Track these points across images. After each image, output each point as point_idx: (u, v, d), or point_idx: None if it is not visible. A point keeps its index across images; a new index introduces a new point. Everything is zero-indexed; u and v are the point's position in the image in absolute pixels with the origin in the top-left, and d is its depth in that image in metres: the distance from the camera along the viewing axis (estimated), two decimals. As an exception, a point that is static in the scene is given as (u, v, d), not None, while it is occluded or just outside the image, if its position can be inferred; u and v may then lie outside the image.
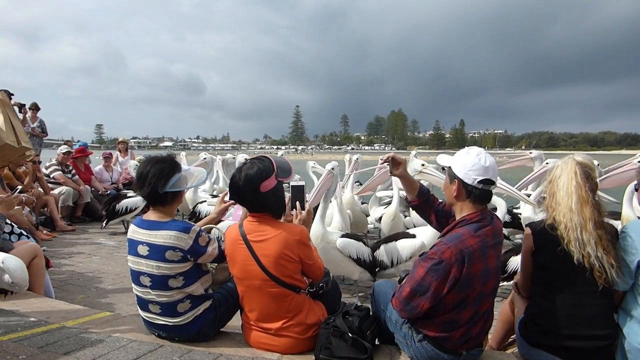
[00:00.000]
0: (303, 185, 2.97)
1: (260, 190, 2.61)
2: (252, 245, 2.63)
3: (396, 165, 2.99)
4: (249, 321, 2.80)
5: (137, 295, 2.87)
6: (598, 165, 7.42)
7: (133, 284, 2.86)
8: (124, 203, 7.78)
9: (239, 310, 2.94)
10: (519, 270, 3.01)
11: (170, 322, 2.80)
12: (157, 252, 2.70)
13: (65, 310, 3.49)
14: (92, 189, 9.56)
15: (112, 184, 10.22)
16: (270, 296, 2.66)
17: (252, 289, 2.70)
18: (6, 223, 4.07)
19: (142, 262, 2.74)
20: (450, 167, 2.55)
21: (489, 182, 2.45)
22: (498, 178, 2.58)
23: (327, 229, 4.58)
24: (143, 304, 2.86)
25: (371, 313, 2.89)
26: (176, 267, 2.72)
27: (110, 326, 3.14)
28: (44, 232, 7.35)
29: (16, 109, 9.03)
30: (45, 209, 8.16)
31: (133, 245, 2.79)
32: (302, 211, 2.88)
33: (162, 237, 2.70)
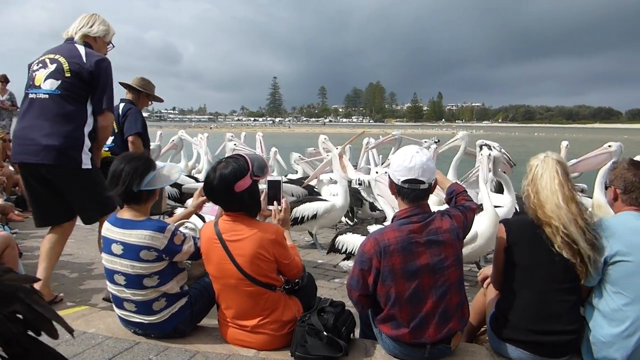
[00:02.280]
0: (279, 181, 2.97)
1: (234, 189, 2.61)
2: (227, 245, 2.64)
3: None
4: (225, 318, 2.82)
5: (111, 293, 2.86)
6: (567, 145, 7.67)
7: (107, 282, 2.85)
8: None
9: (215, 305, 2.95)
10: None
11: (146, 319, 2.80)
12: (131, 251, 2.68)
13: (38, 303, 3.45)
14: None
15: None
16: (246, 294, 2.68)
17: (228, 287, 2.71)
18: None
19: (117, 260, 2.73)
20: None
21: (415, 182, 2.52)
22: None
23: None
24: (118, 301, 2.85)
25: (346, 307, 2.93)
26: (151, 266, 2.71)
27: (85, 321, 3.12)
28: (16, 212, 7.21)
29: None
30: (17, 188, 8.00)
31: (107, 244, 2.77)
32: (279, 207, 2.89)
33: (136, 236, 2.68)
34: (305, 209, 5.90)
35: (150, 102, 5.03)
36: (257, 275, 2.63)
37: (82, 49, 3.36)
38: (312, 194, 7.26)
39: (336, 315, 2.75)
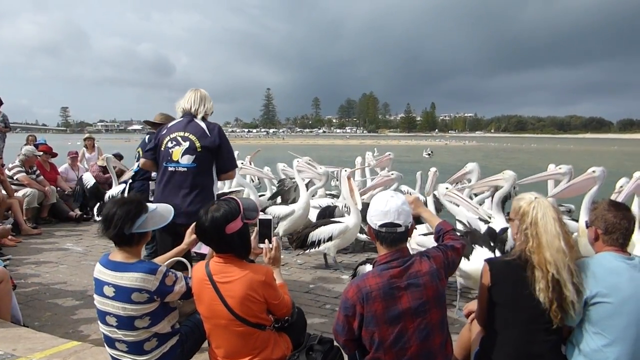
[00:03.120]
0: (270, 220, 3.02)
1: (225, 232, 2.66)
2: (218, 286, 2.68)
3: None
4: (215, 357, 2.85)
5: (103, 333, 2.89)
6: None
7: (99, 323, 2.88)
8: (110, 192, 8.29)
9: (206, 341, 2.99)
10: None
11: (137, 359, 2.84)
12: (123, 293, 2.71)
13: (31, 339, 3.49)
14: (58, 188, 9.41)
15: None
16: (237, 334, 2.72)
17: (218, 327, 2.75)
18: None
19: (108, 302, 2.76)
20: None
21: (391, 225, 2.56)
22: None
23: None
24: (110, 341, 2.88)
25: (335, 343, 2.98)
26: (143, 308, 2.74)
27: (78, 358, 3.16)
28: (9, 237, 7.23)
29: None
30: (9, 212, 8.01)
31: (99, 286, 2.80)
32: (270, 246, 2.95)
33: (128, 279, 2.72)
34: (321, 232, 6.15)
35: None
36: (247, 316, 2.67)
37: (203, 125, 4.05)
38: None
39: (324, 353, 2.80)
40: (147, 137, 5.24)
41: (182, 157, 3.94)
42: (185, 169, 3.94)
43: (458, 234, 3.02)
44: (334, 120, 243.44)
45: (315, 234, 6.15)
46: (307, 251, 6.31)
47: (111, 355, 2.93)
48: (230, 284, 2.66)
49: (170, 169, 3.99)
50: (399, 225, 2.57)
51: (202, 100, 4.16)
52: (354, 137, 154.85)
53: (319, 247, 6.16)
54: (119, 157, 9.95)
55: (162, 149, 4.04)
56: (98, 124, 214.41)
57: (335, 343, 2.89)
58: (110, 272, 2.77)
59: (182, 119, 4.12)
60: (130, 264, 2.78)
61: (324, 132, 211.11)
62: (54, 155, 9.76)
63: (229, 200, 2.76)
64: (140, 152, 5.14)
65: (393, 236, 2.58)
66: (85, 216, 9.35)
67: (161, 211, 2.99)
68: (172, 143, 4.00)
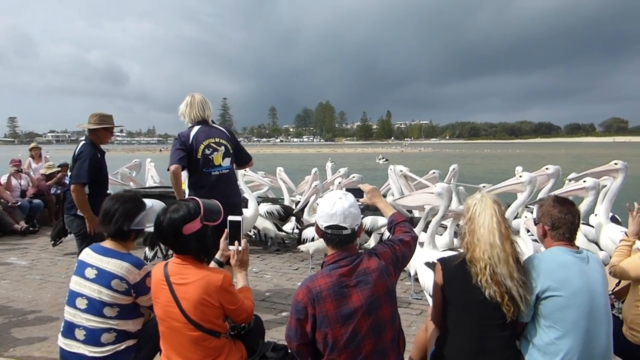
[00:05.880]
0: (240, 221, 2.96)
1: (182, 232, 2.61)
2: (173, 288, 2.61)
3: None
4: (167, 361, 2.75)
5: (65, 319, 2.87)
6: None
7: (66, 306, 2.87)
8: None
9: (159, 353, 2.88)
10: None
11: (89, 351, 2.78)
12: (104, 277, 2.78)
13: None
14: (1, 200, 8.98)
15: (22, 191, 9.61)
16: (190, 339, 2.62)
17: (172, 330, 2.66)
18: None
19: (85, 284, 2.80)
20: None
21: (337, 227, 2.56)
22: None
23: None
24: (69, 329, 2.84)
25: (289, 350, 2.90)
26: (117, 297, 2.79)
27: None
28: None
29: None
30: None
31: (81, 267, 2.86)
32: (240, 248, 2.88)
33: (113, 264, 2.81)
34: (308, 231, 6.58)
35: (112, 134, 5.10)
36: (200, 321, 2.59)
37: (223, 129, 4.70)
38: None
39: (279, 360, 2.73)
40: (81, 144, 4.81)
41: (223, 160, 4.52)
42: (228, 170, 4.58)
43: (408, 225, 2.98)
44: (291, 130, 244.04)
45: (305, 233, 6.63)
46: (298, 247, 6.73)
47: (62, 348, 2.88)
48: (185, 286, 2.59)
49: (214, 173, 4.51)
50: (345, 228, 2.55)
51: (206, 105, 4.63)
52: (311, 145, 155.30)
53: (304, 243, 6.59)
54: (66, 167, 9.56)
55: (199, 156, 4.45)
56: (48, 134, 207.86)
57: (290, 350, 2.82)
58: (97, 256, 2.88)
59: (200, 126, 4.54)
60: (120, 252, 2.89)
61: (282, 141, 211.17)
62: None
63: (189, 200, 2.72)
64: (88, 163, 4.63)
65: (339, 238, 2.57)
66: (31, 229, 8.95)
67: (156, 208, 2.97)
68: (209, 150, 4.48)
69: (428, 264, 4.25)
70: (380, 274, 2.56)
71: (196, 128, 4.50)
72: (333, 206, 2.56)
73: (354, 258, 2.57)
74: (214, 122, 4.66)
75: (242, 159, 4.87)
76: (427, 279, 4.13)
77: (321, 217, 2.60)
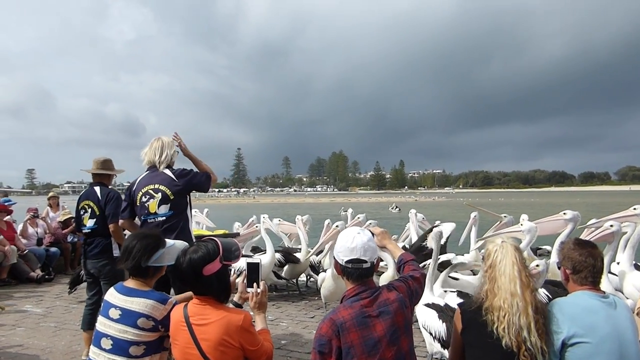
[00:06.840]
0: (258, 263, 2.97)
1: (203, 274, 2.61)
2: (193, 329, 2.59)
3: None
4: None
5: (89, 358, 2.85)
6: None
7: (92, 346, 2.85)
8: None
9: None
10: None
11: None
12: (129, 317, 2.76)
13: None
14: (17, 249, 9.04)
15: (39, 239, 9.70)
16: (208, 383, 2.57)
17: None
18: None
19: (111, 324, 2.78)
20: None
21: (357, 261, 2.58)
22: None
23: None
24: None
25: None
26: (144, 335, 2.76)
27: None
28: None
29: None
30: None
31: (106, 307, 2.85)
32: (258, 290, 2.87)
33: (137, 304, 2.77)
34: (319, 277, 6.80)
35: (115, 175, 5.37)
36: None
37: (169, 173, 4.34)
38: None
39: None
40: (100, 187, 5.09)
41: (159, 208, 4.24)
42: (164, 218, 4.24)
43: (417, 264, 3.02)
44: (305, 179, 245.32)
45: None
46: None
47: None
48: (205, 327, 2.58)
49: (150, 220, 4.26)
50: (365, 262, 2.58)
51: (162, 151, 4.40)
52: (324, 195, 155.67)
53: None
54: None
55: (138, 204, 4.32)
56: (65, 185, 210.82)
57: None
58: (120, 296, 2.86)
59: (147, 172, 4.40)
60: (142, 291, 2.87)
61: (295, 190, 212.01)
62: (9, 212, 9.35)
63: (208, 241, 2.73)
64: (95, 207, 4.95)
65: (359, 272, 2.59)
66: (47, 277, 8.97)
67: (178, 247, 2.97)
68: (145, 197, 4.28)
69: (428, 305, 4.34)
70: (400, 306, 2.58)
71: (143, 174, 4.41)
72: (353, 240, 2.60)
73: (373, 290, 2.59)
74: (169, 167, 4.39)
75: (201, 188, 4.52)
76: (427, 319, 4.25)
77: (341, 252, 2.62)
